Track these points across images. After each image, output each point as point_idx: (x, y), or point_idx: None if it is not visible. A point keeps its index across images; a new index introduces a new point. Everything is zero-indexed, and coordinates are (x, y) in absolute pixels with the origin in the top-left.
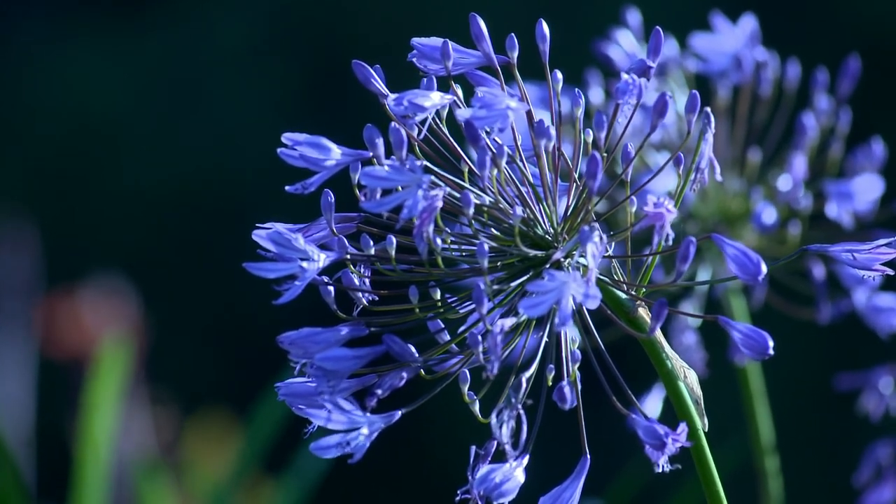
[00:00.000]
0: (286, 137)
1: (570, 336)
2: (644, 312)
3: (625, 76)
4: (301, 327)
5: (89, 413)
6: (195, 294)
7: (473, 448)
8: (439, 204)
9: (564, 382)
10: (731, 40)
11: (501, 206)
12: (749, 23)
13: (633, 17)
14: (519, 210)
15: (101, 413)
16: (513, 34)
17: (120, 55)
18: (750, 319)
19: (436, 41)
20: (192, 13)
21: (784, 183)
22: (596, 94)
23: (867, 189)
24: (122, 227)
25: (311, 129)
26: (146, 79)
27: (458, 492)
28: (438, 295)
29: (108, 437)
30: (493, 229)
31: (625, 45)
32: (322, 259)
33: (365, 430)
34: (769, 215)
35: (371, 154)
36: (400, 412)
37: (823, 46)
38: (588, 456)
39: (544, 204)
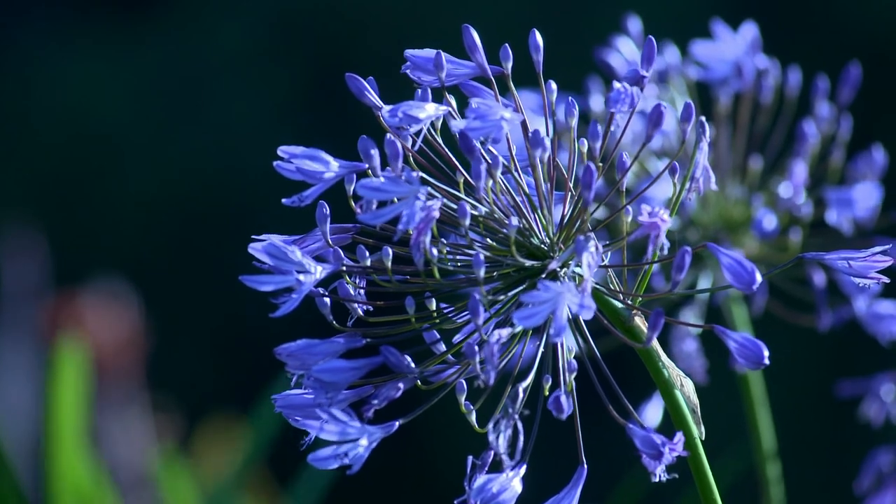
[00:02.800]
0: (282, 150)
1: (567, 346)
2: (640, 322)
3: (616, 85)
4: (303, 334)
5: (53, 419)
6: (198, 299)
7: (470, 458)
8: (436, 215)
9: (560, 392)
10: (732, 48)
11: (497, 216)
12: (750, 30)
13: (634, 24)
14: (515, 220)
15: (65, 418)
16: (506, 44)
17: (121, 61)
18: (751, 327)
19: (429, 52)
20: (193, 19)
21: (785, 190)
22: (596, 102)
23: (866, 196)
24: (124, 232)
25: (313, 134)
26: (148, 84)
27: (455, 502)
28: (434, 305)
29: (78, 442)
30: (488, 239)
31: (625, 52)
32: (319, 271)
33: (364, 442)
34: (770, 222)
35: (367, 166)
36: (398, 423)
37: (824, 54)
38: (585, 465)
39: (540, 214)
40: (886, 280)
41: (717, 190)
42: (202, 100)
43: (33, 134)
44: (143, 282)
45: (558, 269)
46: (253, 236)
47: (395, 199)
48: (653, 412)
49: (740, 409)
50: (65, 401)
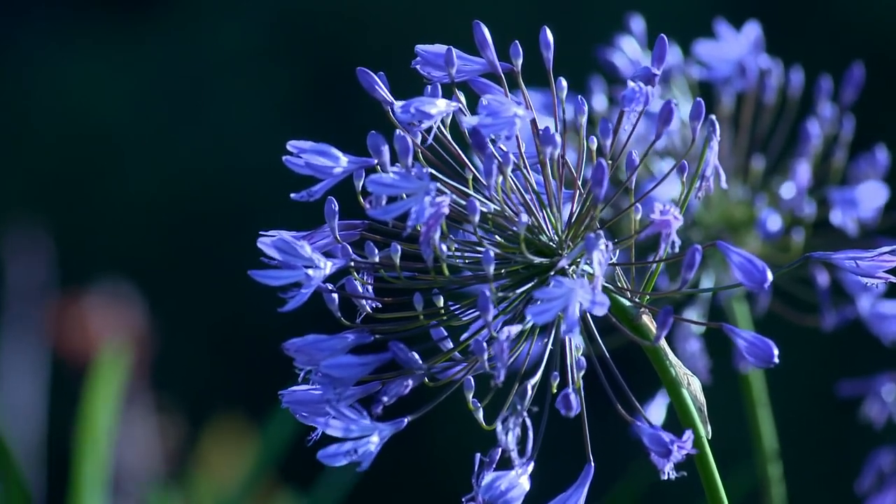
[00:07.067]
0: (291, 145)
1: (575, 343)
2: (648, 320)
3: (631, 84)
4: (307, 334)
5: (87, 421)
6: (201, 300)
7: (478, 455)
8: (446, 211)
9: (569, 389)
10: (735, 47)
11: (506, 213)
12: (753, 30)
13: (637, 23)
14: (524, 217)
15: (98, 421)
16: (517, 41)
17: (121, 61)
18: (753, 327)
19: (440, 48)
20: (193, 19)
21: (788, 190)
22: (599, 101)
23: (871, 196)
24: (124, 232)
25: (313, 134)
26: (148, 84)
27: (463, 499)
28: (442, 302)
29: (106, 446)
30: (497, 236)
31: (628, 51)
32: (327, 266)
33: (375, 438)
34: (774, 223)
35: (376, 161)
36: (407, 419)
37: (827, 54)
38: (592, 463)
39: (548, 211)
40: (894, 279)
41: (722, 189)
42: (202, 100)
43: (34, 134)
44: (144, 282)
45: (567, 267)
46: (262, 231)
47: (405, 195)
48: (656, 411)
49: (742, 410)
50: (100, 407)
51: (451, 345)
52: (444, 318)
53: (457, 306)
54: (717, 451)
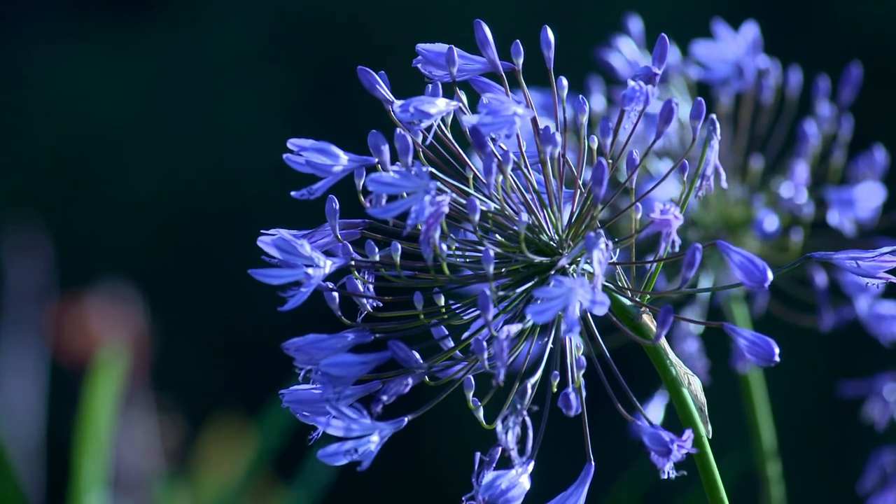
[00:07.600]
0: (292, 143)
1: (575, 343)
2: (648, 319)
3: (631, 83)
4: (308, 332)
5: (86, 422)
6: (202, 299)
7: (478, 454)
8: (446, 210)
9: (569, 389)
10: (733, 48)
11: (507, 212)
12: (751, 30)
13: (635, 24)
14: (525, 216)
15: (97, 422)
16: (518, 41)
17: (122, 61)
18: (752, 327)
19: (441, 47)
20: (194, 18)
21: (786, 190)
22: (597, 102)
23: (869, 196)
24: (124, 232)
25: (313, 133)
26: (150, 84)
27: (463, 498)
28: (443, 301)
29: (106, 446)
30: (497, 236)
31: (626, 52)
32: (327, 265)
33: (375, 437)
34: (771, 223)
35: (376, 160)
36: (407, 418)
37: (825, 54)
38: (592, 463)
39: (549, 210)
40: (895, 280)
41: (722, 188)
42: (202, 99)
43: (35, 135)
44: (144, 282)
45: (567, 266)
46: (262, 230)
47: (405, 194)
48: (654, 412)
49: (741, 410)
50: (99, 408)
51: (451, 344)
52: (445, 316)
53: (457, 305)
54: (717, 451)
